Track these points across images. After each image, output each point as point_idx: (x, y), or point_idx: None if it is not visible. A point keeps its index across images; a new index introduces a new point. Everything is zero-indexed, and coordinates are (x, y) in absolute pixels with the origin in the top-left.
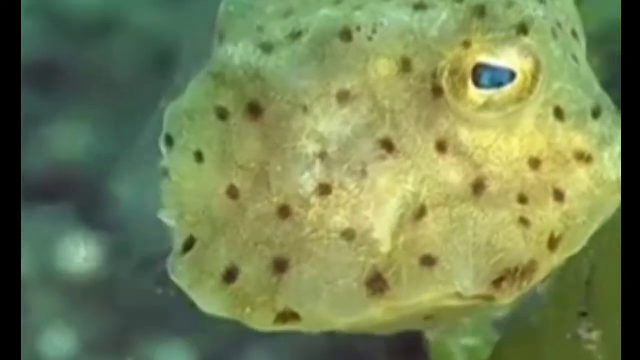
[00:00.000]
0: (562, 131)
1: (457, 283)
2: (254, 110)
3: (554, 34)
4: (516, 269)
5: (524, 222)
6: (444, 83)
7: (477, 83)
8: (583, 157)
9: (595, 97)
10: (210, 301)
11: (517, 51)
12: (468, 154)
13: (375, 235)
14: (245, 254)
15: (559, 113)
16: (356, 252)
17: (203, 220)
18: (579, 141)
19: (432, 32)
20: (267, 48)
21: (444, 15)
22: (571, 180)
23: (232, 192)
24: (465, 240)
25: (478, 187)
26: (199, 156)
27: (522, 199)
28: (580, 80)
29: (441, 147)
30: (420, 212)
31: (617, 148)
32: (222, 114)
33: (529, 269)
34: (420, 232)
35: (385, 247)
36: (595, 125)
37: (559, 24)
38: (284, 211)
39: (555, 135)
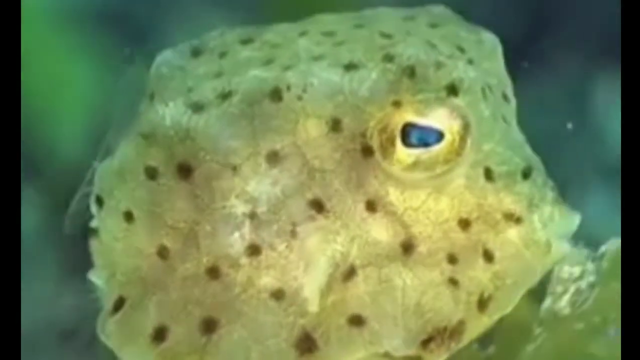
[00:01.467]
0: (492, 192)
1: (386, 343)
2: (184, 170)
3: (484, 96)
4: (445, 330)
5: (453, 282)
6: (374, 142)
7: (406, 142)
8: (513, 219)
9: (525, 159)
10: None
11: (446, 112)
12: (398, 214)
13: (304, 295)
14: (175, 314)
15: (489, 174)
16: (286, 312)
17: (133, 280)
18: (509, 202)
19: (362, 92)
20: (197, 108)
21: (374, 75)
22: (501, 241)
23: (162, 253)
24: (394, 301)
25: (408, 247)
26: (129, 216)
27: (452, 260)
28: (511, 142)
29: (371, 207)
30: (350, 272)
31: (547, 209)
32: (153, 174)
33: (458, 329)
34: (350, 292)
35: (314, 307)
36: (525, 187)
37: (489, 86)
38: (213, 271)
39: (485, 197)
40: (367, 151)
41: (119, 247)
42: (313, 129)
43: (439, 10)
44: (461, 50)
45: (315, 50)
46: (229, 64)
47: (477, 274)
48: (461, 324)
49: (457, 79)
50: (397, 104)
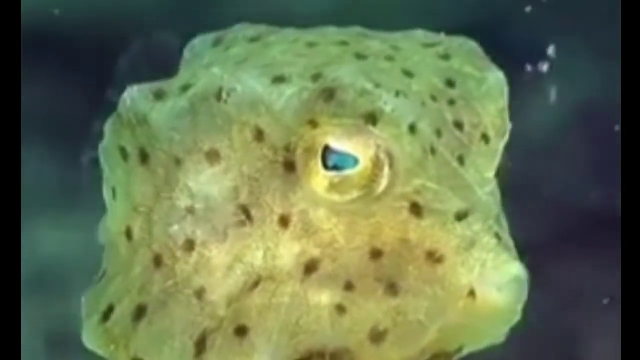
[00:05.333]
0: (416, 227)
1: (256, 357)
2: (143, 154)
3: (412, 131)
4: (322, 354)
5: (339, 309)
6: (297, 159)
7: (325, 164)
8: (433, 257)
9: (468, 201)
10: (88, 336)
11: (360, 139)
12: (310, 233)
13: (215, 298)
14: (122, 296)
15: (416, 209)
16: (201, 312)
17: (111, 256)
18: (433, 241)
19: (277, 106)
20: (159, 95)
21: (289, 91)
22: (414, 277)
23: (129, 233)
24: (276, 317)
25: (310, 267)
26: (114, 192)
27: (348, 287)
28: (454, 182)
29: (284, 221)
30: (255, 283)
31: (477, 255)
32: (124, 154)
33: (341, 355)
34: (247, 302)
35: (221, 312)
36: (457, 228)
37: (447, 123)
38: (157, 260)
39: (407, 231)
40: (289, 166)
41: (107, 224)
42: (238, 134)
43: (461, 42)
44: (450, 84)
45: (277, 58)
46: (220, 58)
47: (370, 306)
48: (345, 350)
49: (377, 109)
50: (313, 124)
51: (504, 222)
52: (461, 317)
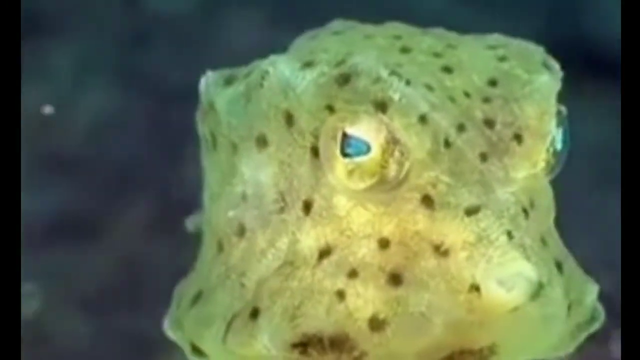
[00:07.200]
0: (425, 220)
1: (260, 339)
2: (213, 140)
3: (424, 122)
4: (320, 339)
5: (339, 295)
6: (320, 145)
7: (342, 151)
8: (439, 251)
9: (484, 199)
10: (167, 324)
11: (372, 126)
12: (327, 220)
13: (247, 282)
14: (193, 284)
15: (427, 201)
16: (239, 297)
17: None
18: (441, 234)
19: (299, 90)
20: (229, 82)
21: (309, 76)
22: (419, 269)
23: (209, 221)
24: (282, 301)
25: (323, 253)
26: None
27: (352, 274)
28: (470, 178)
29: (307, 207)
30: (279, 268)
31: (483, 250)
32: (210, 140)
33: (341, 342)
34: (266, 285)
35: (249, 296)
36: (466, 223)
37: (475, 120)
38: (220, 246)
39: (415, 222)
40: (315, 151)
41: None
42: (273, 119)
43: (525, 46)
44: (492, 83)
45: (326, 47)
46: (299, 48)
47: (369, 293)
48: (344, 337)
49: (387, 97)
50: (330, 109)
51: (548, 230)
52: (467, 312)
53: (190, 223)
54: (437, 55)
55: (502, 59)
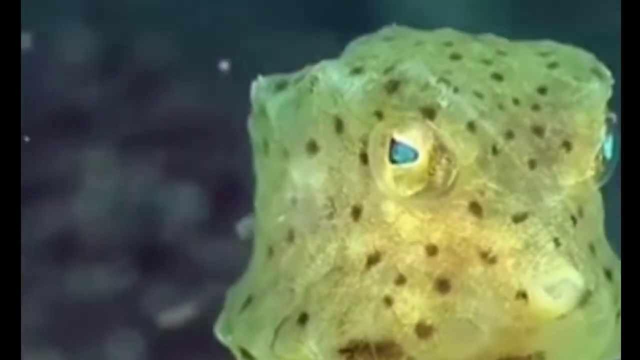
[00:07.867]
0: (472, 227)
1: (307, 344)
2: (265, 145)
3: (472, 129)
4: (366, 345)
5: (387, 301)
6: (369, 151)
7: (391, 157)
8: (486, 258)
9: (532, 206)
10: (217, 327)
11: (420, 133)
12: (376, 226)
13: (296, 288)
14: (244, 288)
15: (474, 208)
16: (288, 303)
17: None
18: (488, 241)
19: (347, 96)
20: (280, 87)
21: (357, 82)
22: (466, 276)
23: (260, 227)
24: (330, 307)
25: (373, 259)
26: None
27: (400, 280)
28: (521, 185)
29: (355, 213)
30: (328, 273)
31: (530, 257)
32: (262, 146)
33: (388, 349)
34: (314, 290)
35: (298, 301)
36: (513, 230)
37: (523, 127)
38: (270, 252)
39: (463, 229)
40: (364, 158)
41: None
42: (322, 124)
43: (576, 53)
44: (542, 91)
45: (375, 52)
46: (351, 53)
47: (417, 300)
48: (390, 343)
49: (434, 104)
50: (379, 116)
51: (596, 240)
52: (514, 319)
53: (242, 227)
54: (487, 62)
55: (552, 65)
